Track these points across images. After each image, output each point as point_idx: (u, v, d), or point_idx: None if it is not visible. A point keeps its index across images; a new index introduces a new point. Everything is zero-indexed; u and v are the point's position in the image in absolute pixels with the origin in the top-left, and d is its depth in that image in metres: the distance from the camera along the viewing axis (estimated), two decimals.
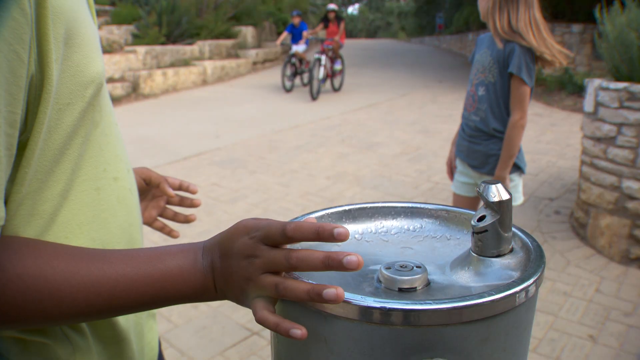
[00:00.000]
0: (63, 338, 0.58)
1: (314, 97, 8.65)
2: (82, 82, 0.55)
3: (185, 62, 10.49)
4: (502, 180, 2.03)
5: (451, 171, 2.39)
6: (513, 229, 0.63)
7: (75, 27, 0.53)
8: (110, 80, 9.00)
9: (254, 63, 12.55)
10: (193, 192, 0.87)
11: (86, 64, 0.55)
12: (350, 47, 20.20)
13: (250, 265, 0.51)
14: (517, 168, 2.14)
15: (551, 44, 1.98)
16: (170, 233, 0.89)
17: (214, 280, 0.54)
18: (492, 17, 2.03)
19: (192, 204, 0.89)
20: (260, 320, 0.51)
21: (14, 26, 0.46)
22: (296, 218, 0.72)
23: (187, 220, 0.88)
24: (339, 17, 10.10)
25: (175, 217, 0.89)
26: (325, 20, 10.15)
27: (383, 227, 0.75)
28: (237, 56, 12.32)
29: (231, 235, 0.54)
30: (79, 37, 0.54)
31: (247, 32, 12.99)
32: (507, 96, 2.05)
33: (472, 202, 2.26)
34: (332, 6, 10.25)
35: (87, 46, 0.55)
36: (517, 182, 2.17)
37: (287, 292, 0.50)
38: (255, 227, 0.52)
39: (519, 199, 2.18)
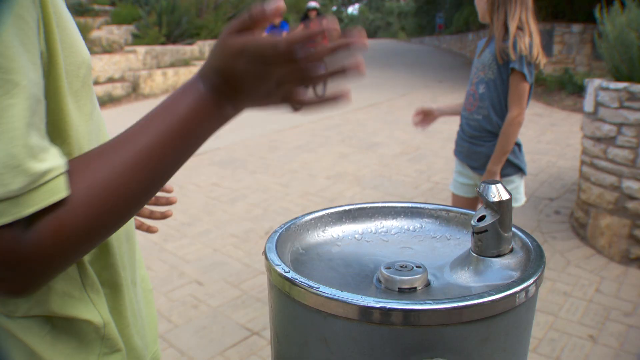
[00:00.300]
0: (89, 312, 0.60)
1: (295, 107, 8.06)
2: (75, 62, 0.58)
3: (185, 62, 10.48)
4: (492, 175, 2.04)
5: (418, 114, 2.26)
6: (513, 229, 0.63)
7: (61, 12, 0.56)
8: (110, 80, 8.99)
9: None
10: (168, 191, 0.91)
11: (76, 46, 0.58)
12: None
13: (269, 82, 0.59)
14: (518, 169, 2.14)
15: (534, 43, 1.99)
16: (149, 229, 0.91)
17: (223, 100, 0.59)
18: (490, 17, 2.05)
19: (168, 202, 0.91)
20: (308, 103, 0.61)
21: (27, 5, 0.49)
22: (296, 218, 0.72)
23: (164, 216, 0.90)
24: (320, 16, 9.27)
25: (152, 215, 0.91)
26: (305, 20, 9.23)
27: (383, 227, 0.75)
28: None
29: (227, 60, 0.57)
30: (64, 21, 0.57)
31: None
32: (507, 92, 2.06)
33: (470, 203, 2.26)
34: (313, 4, 9.38)
35: (72, 30, 0.58)
36: (519, 184, 2.16)
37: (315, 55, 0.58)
38: (242, 48, 0.56)
39: (520, 200, 2.17)
